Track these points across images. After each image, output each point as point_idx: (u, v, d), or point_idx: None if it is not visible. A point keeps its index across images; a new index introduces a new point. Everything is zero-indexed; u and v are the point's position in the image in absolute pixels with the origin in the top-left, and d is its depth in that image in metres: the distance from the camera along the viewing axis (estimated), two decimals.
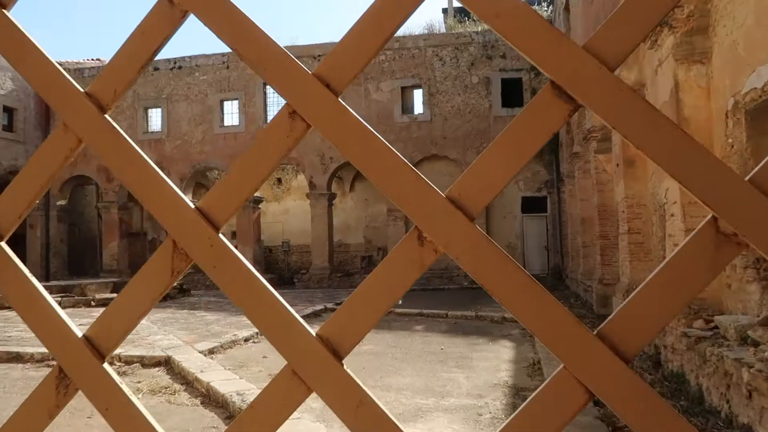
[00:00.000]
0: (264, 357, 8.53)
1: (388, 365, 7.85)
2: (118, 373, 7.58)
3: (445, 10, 30.55)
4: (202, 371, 7.03)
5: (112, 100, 0.69)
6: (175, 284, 16.63)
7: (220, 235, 0.65)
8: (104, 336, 0.68)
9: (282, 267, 24.75)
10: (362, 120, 0.61)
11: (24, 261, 21.37)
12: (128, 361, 8.09)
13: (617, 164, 10.35)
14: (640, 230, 9.78)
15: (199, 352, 8.37)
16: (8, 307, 15.14)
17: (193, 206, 0.67)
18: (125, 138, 0.68)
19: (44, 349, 8.06)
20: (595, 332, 0.56)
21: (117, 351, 8.56)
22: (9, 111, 22.33)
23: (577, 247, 15.83)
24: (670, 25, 6.82)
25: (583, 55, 0.57)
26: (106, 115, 0.68)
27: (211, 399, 6.25)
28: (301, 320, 0.63)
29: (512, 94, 20.55)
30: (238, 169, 0.63)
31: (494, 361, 8.03)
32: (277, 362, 8.08)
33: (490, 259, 0.58)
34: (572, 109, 0.58)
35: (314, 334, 0.62)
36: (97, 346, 0.68)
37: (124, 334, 0.68)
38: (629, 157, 9.81)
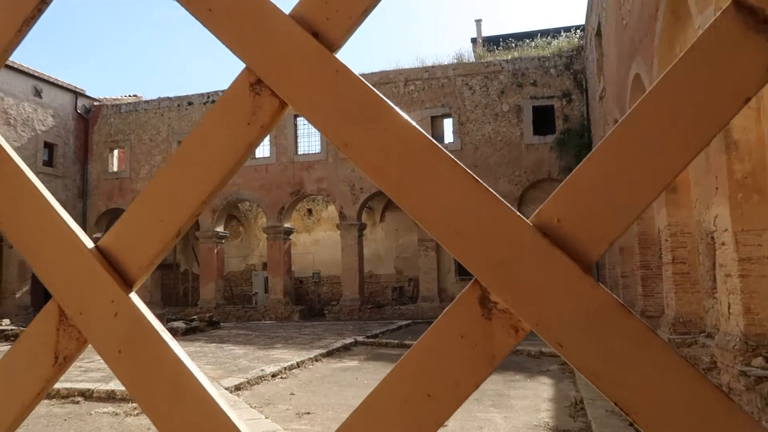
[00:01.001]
0: (291, 394, 8.22)
1: None
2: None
3: (474, 40, 30.59)
4: None
5: None
6: (206, 317, 16.36)
7: (133, 296, 0.35)
8: None
9: (312, 298, 24.56)
10: (377, 91, 0.34)
11: None
12: None
13: None
14: (685, 260, 9.32)
15: (225, 389, 8.11)
16: None
17: (91, 245, 0.37)
18: None
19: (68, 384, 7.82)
20: None
21: None
22: (49, 146, 22.99)
23: (616, 277, 15.20)
24: None
25: None
26: None
27: None
28: None
29: (544, 121, 20.24)
30: (166, 184, 0.36)
31: (533, 400, 7.58)
32: (304, 400, 7.76)
33: (633, 349, 0.27)
34: None
35: None
36: None
37: None
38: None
